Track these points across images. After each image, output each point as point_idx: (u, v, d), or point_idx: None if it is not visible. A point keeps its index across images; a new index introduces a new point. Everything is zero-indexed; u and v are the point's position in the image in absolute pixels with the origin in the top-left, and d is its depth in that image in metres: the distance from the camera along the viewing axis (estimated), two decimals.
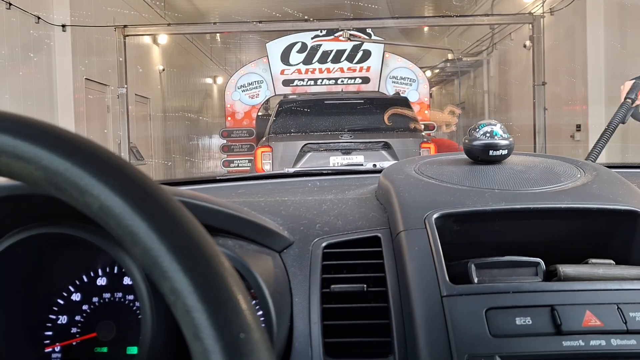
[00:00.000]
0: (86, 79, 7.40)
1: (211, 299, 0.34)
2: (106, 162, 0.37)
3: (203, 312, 0.34)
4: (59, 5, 6.90)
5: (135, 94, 8.88)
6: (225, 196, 1.04)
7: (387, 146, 5.54)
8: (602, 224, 0.79)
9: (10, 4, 5.91)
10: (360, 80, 9.60)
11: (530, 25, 8.30)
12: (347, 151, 5.52)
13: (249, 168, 8.09)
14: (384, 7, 9.53)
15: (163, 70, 10.59)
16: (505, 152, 0.91)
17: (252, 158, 6.44)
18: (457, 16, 9.20)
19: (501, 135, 0.91)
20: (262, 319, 0.65)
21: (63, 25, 6.89)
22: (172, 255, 0.35)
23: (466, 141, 0.93)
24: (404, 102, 6.62)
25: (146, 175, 0.39)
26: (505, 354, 0.61)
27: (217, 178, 1.34)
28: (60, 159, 0.36)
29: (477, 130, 0.92)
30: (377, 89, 9.48)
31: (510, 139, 0.92)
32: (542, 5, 8.27)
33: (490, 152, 0.91)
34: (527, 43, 8.53)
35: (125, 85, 8.01)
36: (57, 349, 0.69)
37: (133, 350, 0.68)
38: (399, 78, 9.57)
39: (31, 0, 6.35)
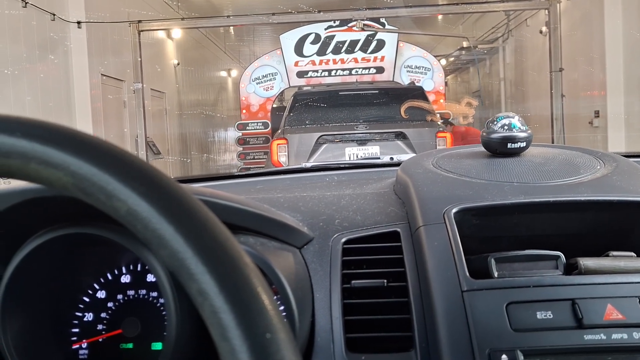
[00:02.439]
0: (102, 75, 7.46)
1: (237, 300, 0.35)
2: (131, 167, 0.38)
3: (230, 313, 0.35)
4: (75, 3, 6.96)
5: (151, 89, 8.93)
6: (244, 192, 1.05)
7: (402, 136, 5.51)
8: (623, 215, 0.79)
9: (27, 3, 5.96)
10: (374, 70, 9.54)
11: (547, 10, 8.17)
12: (362, 142, 5.50)
13: (264, 160, 8.11)
14: None
15: (178, 64, 10.63)
16: (523, 144, 0.91)
17: (268, 150, 6.46)
18: (471, 3, 9.09)
19: (519, 128, 0.90)
20: (284, 314, 0.65)
21: (78, 22, 6.94)
22: (198, 257, 0.36)
23: (484, 134, 0.93)
24: (420, 92, 6.57)
25: (169, 178, 0.39)
26: (527, 348, 0.61)
27: (235, 174, 1.35)
28: (88, 164, 0.37)
29: (495, 122, 0.91)
30: (391, 79, 9.40)
31: (529, 131, 0.91)
32: None
33: (509, 145, 0.90)
34: (544, 29, 8.40)
35: (141, 82, 8.06)
36: (84, 345, 0.71)
37: (158, 346, 0.70)
38: (413, 67, 9.49)
39: None
